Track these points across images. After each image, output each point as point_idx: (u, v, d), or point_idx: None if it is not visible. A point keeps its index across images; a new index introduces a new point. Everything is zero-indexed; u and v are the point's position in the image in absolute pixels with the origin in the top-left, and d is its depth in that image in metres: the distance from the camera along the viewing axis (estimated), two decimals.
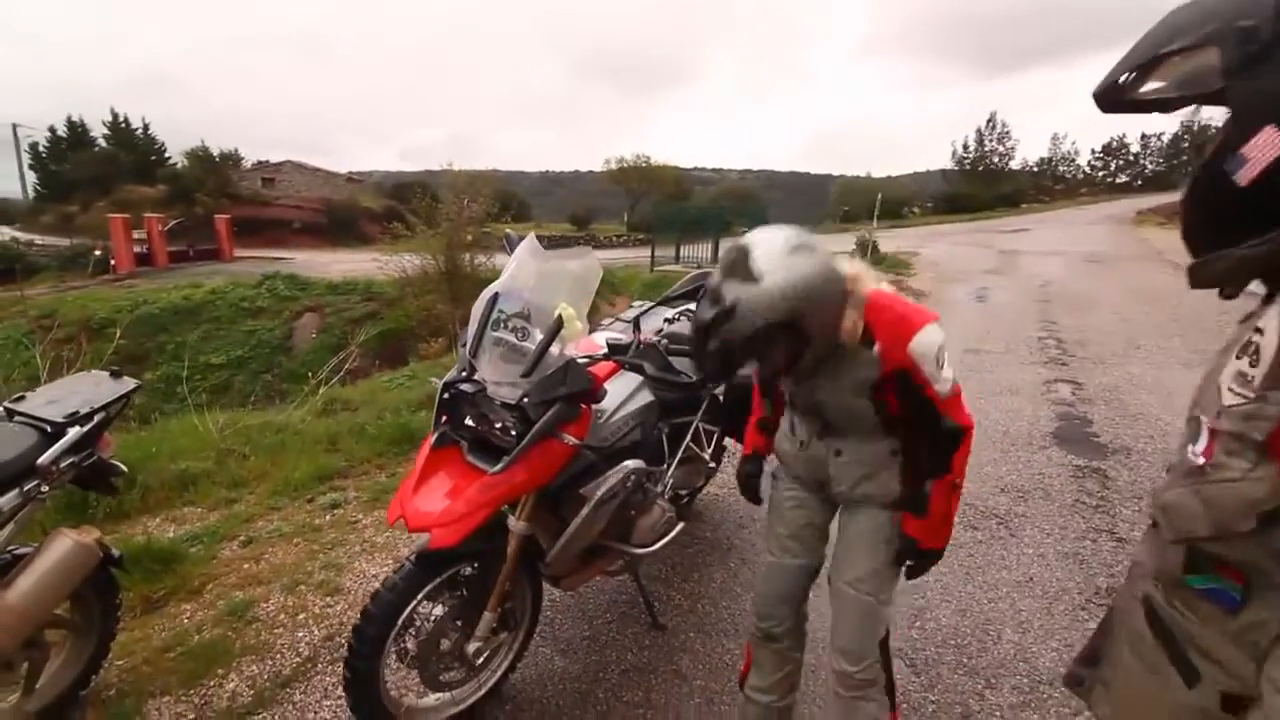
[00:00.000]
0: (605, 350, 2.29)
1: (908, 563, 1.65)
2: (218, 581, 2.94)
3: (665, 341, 2.43)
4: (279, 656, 2.44)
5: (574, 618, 2.64)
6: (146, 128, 39.65)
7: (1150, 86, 0.87)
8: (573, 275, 1.94)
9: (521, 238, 2.10)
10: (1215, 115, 0.81)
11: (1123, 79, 0.89)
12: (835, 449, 1.64)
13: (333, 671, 2.35)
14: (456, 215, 14.39)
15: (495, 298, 1.93)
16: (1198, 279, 0.86)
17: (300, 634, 2.56)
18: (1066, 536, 3.13)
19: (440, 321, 12.86)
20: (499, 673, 2.14)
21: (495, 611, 1.97)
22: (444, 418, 1.98)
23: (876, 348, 1.44)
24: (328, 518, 3.53)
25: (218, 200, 31.21)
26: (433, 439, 1.96)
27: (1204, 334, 7.09)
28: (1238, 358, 0.84)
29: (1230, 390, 0.82)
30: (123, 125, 39.05)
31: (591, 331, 2.62)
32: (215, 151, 37.12)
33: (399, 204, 24.70)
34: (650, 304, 2.80)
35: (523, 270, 1.95)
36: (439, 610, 1.95)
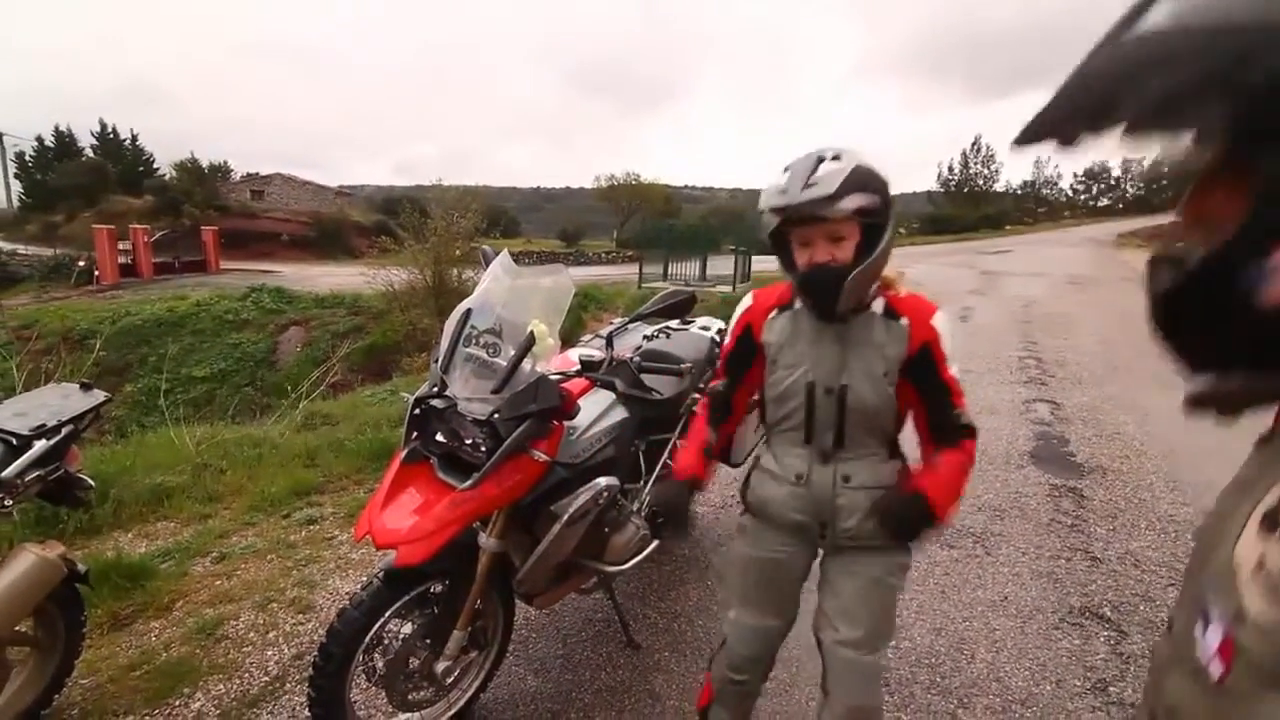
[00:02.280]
0: (579, 367, 2.30)
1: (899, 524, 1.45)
2: (188, 598, 2.90)
3: (637, 359, 2.43)
4: (247, 675, 2.40)
5: (548, 636, 2.62)
6: (135, 138, 39.64)
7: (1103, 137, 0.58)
8: (545, 292, 1.95)
9: (496, 253, 2.11)
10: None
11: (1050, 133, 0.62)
12: (844, 474, 1.48)
13: (301, 691, 2.31)
14: (444, 230, 14.44)
15: (468, 313, 1.93)
16: (1201, 407, 0.65)
17: (269, 653, 2.52)
18: (1042, 555, 3.15)
19: (426, 336, 12.84)
20: (469, 692, 2.12)
21: (465, 630, 1.95)
22: (414, 433, 1.97)
23: (904, 320, 1.44)
24: (303, 534, 3.49)
25: (205, 212, 31.08)
26: (402, 454, 1.95)
27: None
28: (1265, 527, 0.56)
29: (1257, 588, 0.55)
30: (111, 136, 39.00)
31: (571, 348, 2.63)
32: (204, 163, 37.09)
33: (389, 218, 24.71)
34: (625, 320, 2.81)
35: (496, 286, 1.96)
36: (408, 628, 1.93)
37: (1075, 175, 48.56)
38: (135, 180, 36.11)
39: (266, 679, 2.39)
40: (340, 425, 5.24)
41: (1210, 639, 0.60)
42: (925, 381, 1.46)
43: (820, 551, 1.62)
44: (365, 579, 2.08)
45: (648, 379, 2.45)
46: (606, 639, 2.60)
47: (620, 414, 2.24)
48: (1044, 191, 48.72)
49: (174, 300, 17.98)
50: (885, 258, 1.40)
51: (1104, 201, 45.83)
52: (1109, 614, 2.70)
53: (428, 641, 1.95)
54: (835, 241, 1.36)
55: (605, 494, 2.04)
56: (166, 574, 3.06)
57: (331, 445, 4.62)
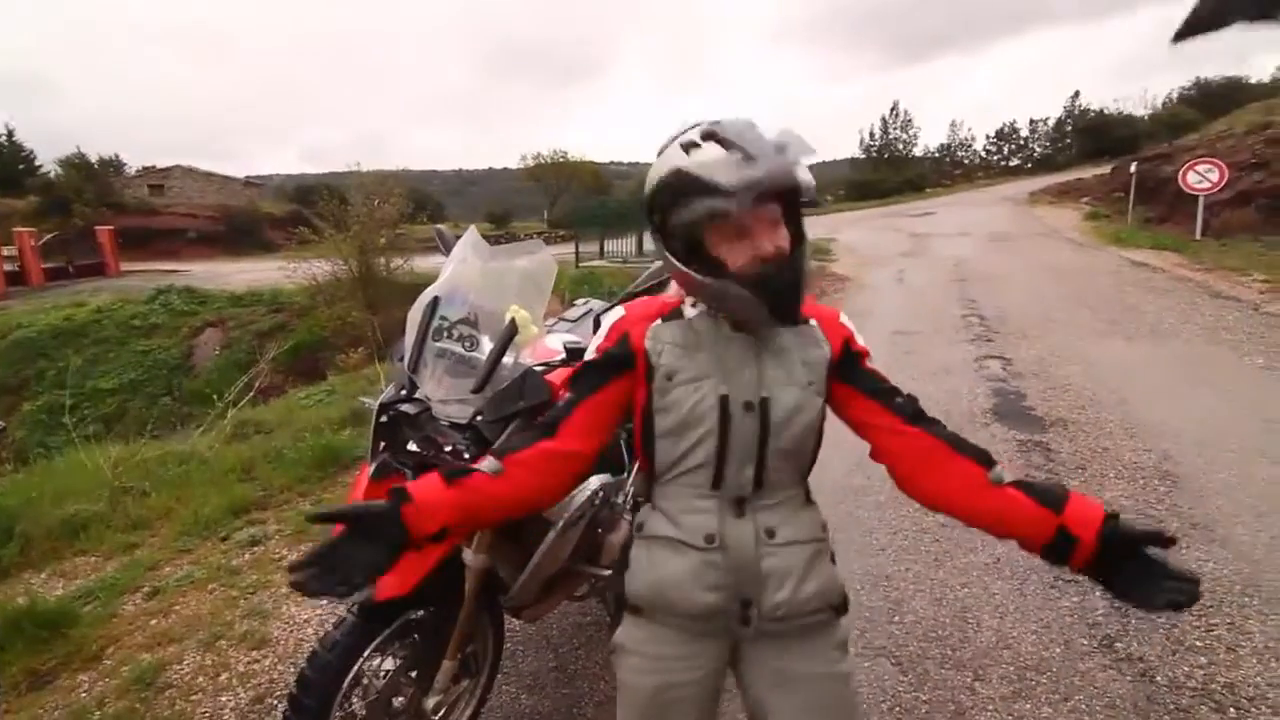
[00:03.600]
0: (564, 355, 2.08)
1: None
2: (120, 643, 2.57)
3: None
4: None
5: (536, 648, 2.42)
6: (10, 134, 36.11)
7: None
8: (523, 273, 1.73)
9: (458, 235, 1.87)
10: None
11: None
12: (766, 528, 1.12)
13: None
14: (367, 217, 13.77)
15: (435, 302, 1.70)
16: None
17: (224, 698, 2.24)
18: None
19: (358, 330, 12.24)
20: None
21: (455, 659, 1.74)
22: (382, 444, 1.72)
23: (813, 322, 1.17)
24: (246, 557, 3.17)
25: (98, 210, 28.66)
26: (371, 469, 1.71)
27: (1111, 306, 7.49)
28: None
29: None
30: None
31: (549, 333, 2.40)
32: (93, 158, 34.21)
33: (304, 208, 23.40)
34: (612, 303, 2.60)
35: (465, 270, 1.72)
36: (389, 664, 1.70)
37: (987, 136, 50.41)
38: (16, 179, 32.98)
39: None
40: (275, 433, 4.86)
41: None
42: (861, 380, 1.17)
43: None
44: (336, 614, 1.83)
45: None
46: (599, 644, 2.43)
47: None
48: (960, 154, 50.47)
49: (71, 308, 16.54)
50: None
51: (1014, 161, 47.79)
52: None
53: (413, 675, 1.73)
54: (776, 227, 1.08)
55: (600, 494, 1.85)
56: (91, 617, 2.71)
57: (268, 455, 4.26)
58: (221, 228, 32.24)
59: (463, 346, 1.63)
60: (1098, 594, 2.52)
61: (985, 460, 1.10)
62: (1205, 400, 4.35)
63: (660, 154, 1.11)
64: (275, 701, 2.17)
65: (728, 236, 1.06)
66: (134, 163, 38.62)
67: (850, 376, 1.17)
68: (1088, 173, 25.89)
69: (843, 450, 3.66)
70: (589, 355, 1.22)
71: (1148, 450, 3.70)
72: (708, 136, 1.04)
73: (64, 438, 9.20)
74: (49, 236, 24.68)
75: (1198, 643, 2.23)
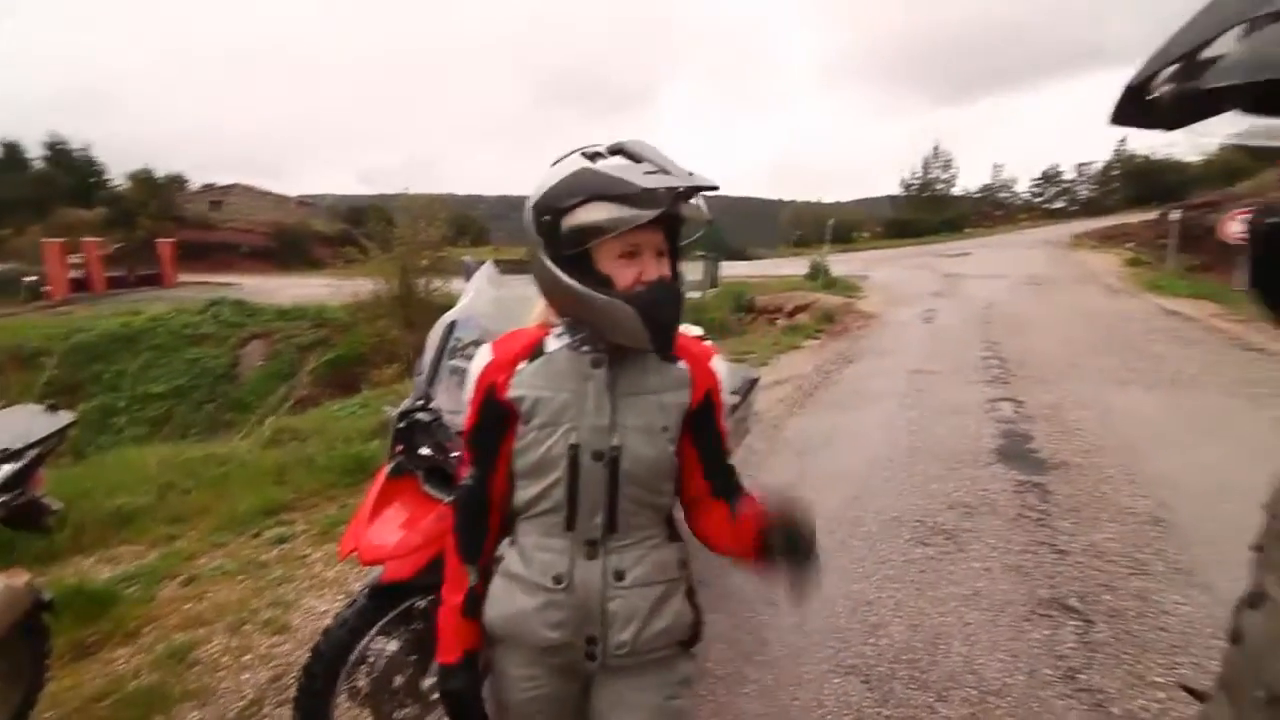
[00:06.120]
0: None
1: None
2: (156, 623, 2.82)
3: None
4: (221, 701, 2.35)
5: None
6: (86, 149, 38.34)
7: (1217, 69, 0.56)
8: (531, 302, 1.95)
9: (479, 265, 2.11)
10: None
11: (1161, 73, 0.61)
12: (615, 570, 1.12)
13: (278, 716, 2.27)
14: (411, 239, 14.28)
15: (452, 325, 1.93)
16: None
17: (245, 676, 2.47)
18: (1010, 550, 3.24)
19: (394, 347, 12.66)
20: None
21: None
22: (399, 447, 1.96)
23: (682, 364, 1.15)
24: (274, 553, 3.42)
25: (161, 224, 30.21)
26: (387, 469, 1.94)
27: (1137, 354, 7.46)
28: None
29: None
30: (60, 146, 37.68)
31: None
32: (159, 174, 36.09)
33: (353, 228, 24.33)
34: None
35: (480, 298, 1.96)
36: (393, 646, 1.91)
37: (1031, 178, 50.09)
38: (87, 192, 34.96)
39: (242, 704, 2.34)
40: (310, 441, 5.15)
41: None
42: (705, 434, 1.18)
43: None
44: (348, 597, 2.05)
45: None
46: None
47: None
48: (1001, 195, 50.10)
49: (129, 315, 17.42)
50: None
51: (1058, 204, 47.29)
52: (1075, 604, 2.78)
53: (413, 658, 1.93)
54: (663, 257, 1.09)
55: None
56: (132, 599, 2.98)
57: (301, 462, 4.54)
58: (273, 244, 33.61)
59: None
60: (1068, 629, 2.62)
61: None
62: (1211, 451, 4.37)
63: (556, 163, 1.09)
64: (292, 681, 2.38)
65: (616, 254, 1.05)
66: (198, 179, 40.59)
67: (696, 426, 1.17)
68: (1134, 218, 25.47)
69: (840, 486, 3.83)
70: (464, 420, 1.20)
71: (1145, 497, 3.75)
72: (615, 150, 1.06)
73: (113, 437, 9.73)
74: (114, 247, 26.02)
75: (1158, 679, 2.32)
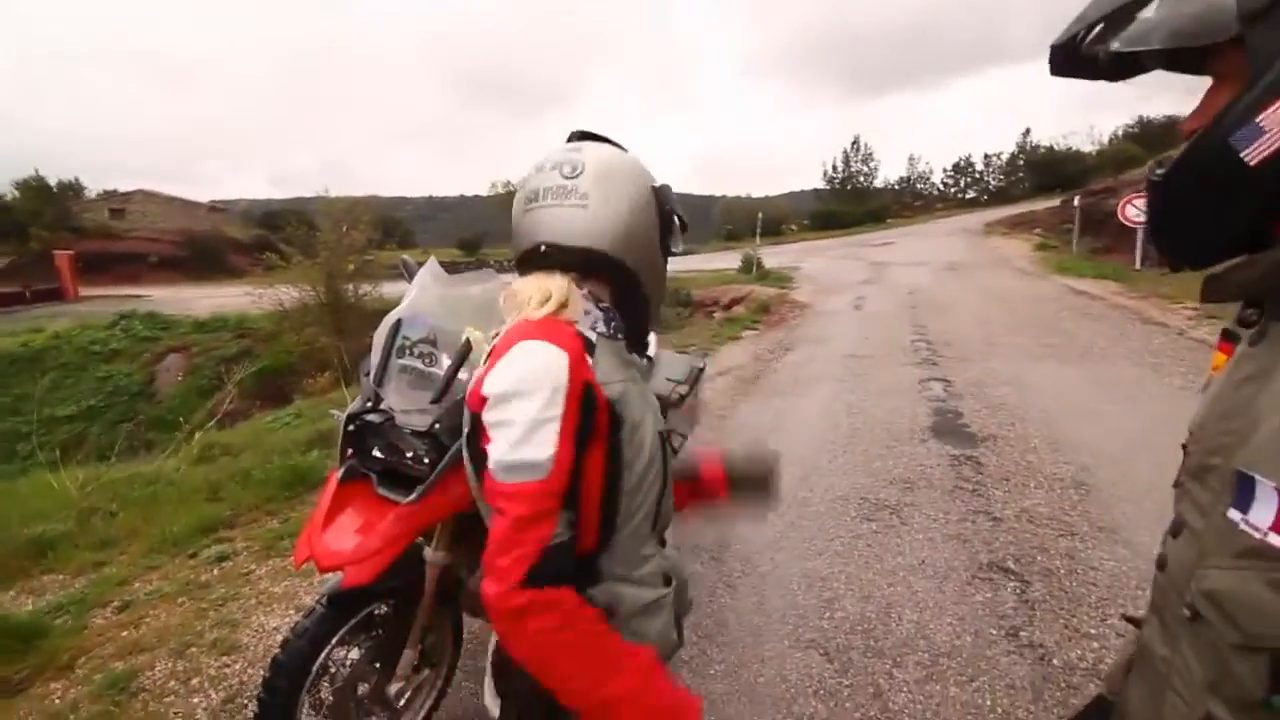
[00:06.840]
0: None
1: None
2: (91, 654, 2.67)
3: None
4: None
5: None
6: None
7: (1127, 34, 0.66)
8: (477, 298, 1.93)
9: (420, 264, 2.08)
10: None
11: (1087, 33, 0.70)
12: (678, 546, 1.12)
13: None
14: (336, 243, 13.82)
15: (399, 324, 1.89)
16: (1216, 293, 0.68)
17: (196, 700, 2.36)
18: (950, 520, 3.41)
19: (325, 355, 12.22)
20: (422, 713, 2.07)
21: (416, 649, 1.91)
22: (349, 451, 1.91)
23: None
24: (215, 572, 3.27)
25: (57, 234, 28.19)
26: (339, 473, 1.89)
27: (1050, 331, 7.93)
28: None
29: None
30: None
31: None
32: (52, 181, 33.65)
33: (270, 233, 23.31)
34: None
35: (425, 295, 1.93)
36: (355, 654, 1.87)
37: (944, 169, 52.35)
38: None
39: None
40: (243, 455, 4.93)
41: (1262, 515, 0.61)
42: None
43: None
44: (300, 610, 1.99)
45: None
46: None
47: None
48: (918, 186, 52.23)
49: (27, 334, 16.24)
50: None
51: (971, 194, 49.59)
52: (1013, 566, 2.96)
53: (377, 664, 1.90)
54: None
55: None
56: (62, 630, 2.80)
57: (236, 477, 4.35)
58: (185, 253, 31.84)
59: (423, 363, 1.83)
60: (1007, 590, 2.78)
61: None
62: (1123, 418, 4.70)
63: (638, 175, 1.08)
64: (246, 701, 2.30)
65: None
66: (95, 186, 38.03)
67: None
68: (1040, 205, 26.99)
69: (787, 469, 3.93)
70: (553, 424, 0.88)
71: (1067, 463, 4.01)
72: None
73: (21, 464, 9.06)
74: (4, 261, 24.15)
75: (1092, 630, 2.49)
